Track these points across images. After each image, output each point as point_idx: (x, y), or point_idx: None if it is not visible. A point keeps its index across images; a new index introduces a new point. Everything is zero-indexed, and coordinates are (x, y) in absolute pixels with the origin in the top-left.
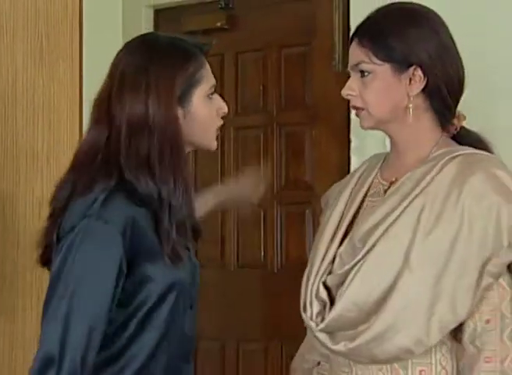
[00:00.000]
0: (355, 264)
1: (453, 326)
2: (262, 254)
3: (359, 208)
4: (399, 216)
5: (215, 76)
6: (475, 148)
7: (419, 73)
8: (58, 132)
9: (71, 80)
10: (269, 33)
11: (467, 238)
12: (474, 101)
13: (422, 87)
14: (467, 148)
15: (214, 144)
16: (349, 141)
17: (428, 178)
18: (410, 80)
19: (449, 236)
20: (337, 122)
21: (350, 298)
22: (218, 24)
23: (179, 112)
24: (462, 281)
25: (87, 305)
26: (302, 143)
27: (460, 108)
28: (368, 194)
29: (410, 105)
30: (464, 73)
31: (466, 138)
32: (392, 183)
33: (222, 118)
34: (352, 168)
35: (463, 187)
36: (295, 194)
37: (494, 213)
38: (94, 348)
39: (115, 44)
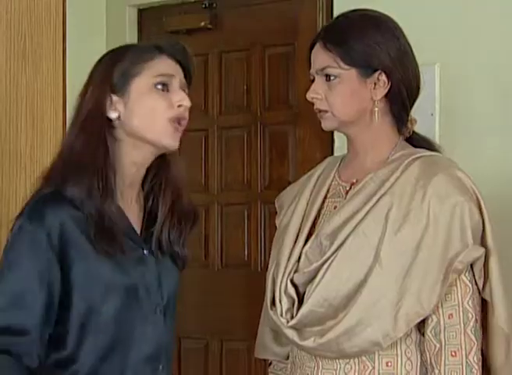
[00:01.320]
0: (325, 261)
1: (418, 319)
2: (246, 253)
3: (320, 208)
4: (366, 214)
5: (199, 76)
6: (430, 150)
7: (383, 77)
8: (41, 131)
9: (54, 80)
10: (253, 33)
11: (433, 237)
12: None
13: (386, 91)
14: (424, 150)
15: (169, 142)
16: (332, 141)
17: (392, 179)
18: (375, 84)
19: (416, 234)
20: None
21: (321, 294)
22: (202, 24)
23: (116, 100)
24: (428, 277)
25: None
26: (285, 142)
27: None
28: (328, 195)
29: (376, 109)
30: (419, 73)
31: (419, 141)
32: (353, 184)
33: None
34: None
35: (427, 187)
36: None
37: (458, 212)
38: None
39: (99, 43)
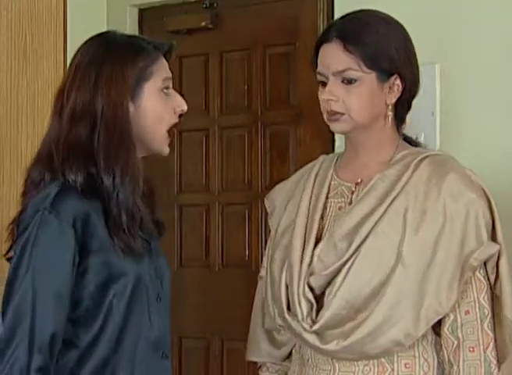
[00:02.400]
0: (345, 263)
1: (437, 318)
2: (247, 253)
3: (323, 209)
4: (383, 214)
5: (199, 76)
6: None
7: (398, 81)
8: (42, 131)
9: (55, 80)
10: (254, 33)
11: (449, 236)
12: None
13: (399, 95)
14: (427, 149)
15: (165, 148)
16: (333, 141)
17: (405, 178)
18: (390, 88)
19: (434, 233)
20: (321, 121)
21: (344, 296)
22: (203, 24)
23: (130, 105)
24: (446, 276)
25: (48, 297)
26: (286, 142)
27: None
28: (329, 195)
29: (390, 113)
30: (419, 76)
31: (412, 140)
32: (357, 184)
33: (181, 116)
34: None
35: (441, 186)
36: None
37: (472, 210)
38: (59, 338)
39: None
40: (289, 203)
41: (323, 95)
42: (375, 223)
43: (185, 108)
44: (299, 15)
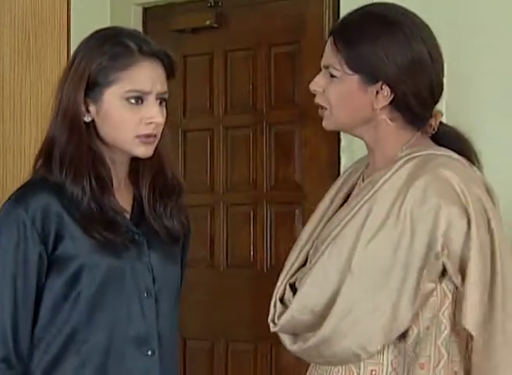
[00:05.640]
0: (310, 267)
1: (396, 333)
2: (252, 254)
3: (337, 210)
4: (350, 219)
5: (204, 75)
6: (451, 148)
7: (386, 88)
8: (45, 129)
9: (59, 79)
10: (259, 32)
11: (409, 244)
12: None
13: (388, 102)
14: (431, 148)
15: (137, 151)
16: (339, 140)
17: (381, 182)
18: (377, 93)
19: (392, 242)
20: None
21: (300, 301)
22: (207, 22)
23: (91, 106)
24: (404, 288)
25: (6, 289)
26: (291, 142)
27: None
28: (352, 194)
29: (383, 117)
30: (438, 78)
31: (443, 137)
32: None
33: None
34: (342, 167)
35: (408, 191)
36: (284, 194)
37: (432, 217)
38: (25, 329)
39: None
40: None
41: (310, 84)
42: (342, 227)
43: (157, 120)
44: (304, 14)
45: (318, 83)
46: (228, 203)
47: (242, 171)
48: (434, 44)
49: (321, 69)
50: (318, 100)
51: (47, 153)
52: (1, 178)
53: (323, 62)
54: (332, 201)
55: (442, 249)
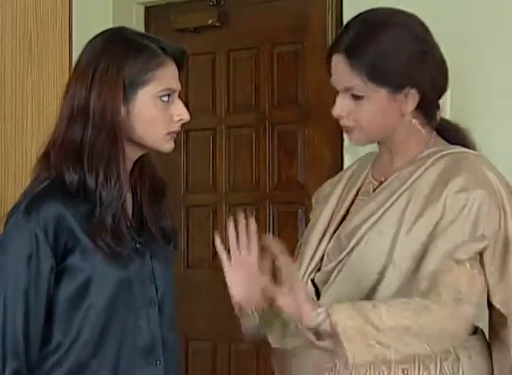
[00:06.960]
0: (340, 261)
1: None
2: None
3: (350, 206)
4: (384, 212)
5: (206, 75)
6: (462, 144)
7: (413, 91)
8: (47, 130)
9: (60, 79)
10: (261, 31)
11: (445, 228)
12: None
13: (417, 103)
14: (455, 146)
15: (165, 147)
16: (342, 140)
17: (415, 176)
18: (406, 96)
19: (429, 228)
20: (330, 120)
21: (333, 295)
22: (210, 21)
23: (122, 108)
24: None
25: (18, 302)
26: (294, 142)
27: None
28: (359, 192)
29: (409, 119)
30: (446, 69)
31: (449, 131)
32: (381, 182)
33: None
34: (345, 167)
35: (448, 183)
36: (287, 194)
37: (469, 204)
38: (35, 340)
39: None
40: (324, 201)
41: (333, 111)
42: (375, 222)
43: (185, 117)
44: (307, 13)
45: (342, 109)
46: (230, 203)
47: (245, 171)
48: (434, 41)
49: (334, 89)
50: (344, 123)
51: (73, 156)
52: (1, 178)
53: (342, 86)
54: (343, 199)
55: (481, 233)
